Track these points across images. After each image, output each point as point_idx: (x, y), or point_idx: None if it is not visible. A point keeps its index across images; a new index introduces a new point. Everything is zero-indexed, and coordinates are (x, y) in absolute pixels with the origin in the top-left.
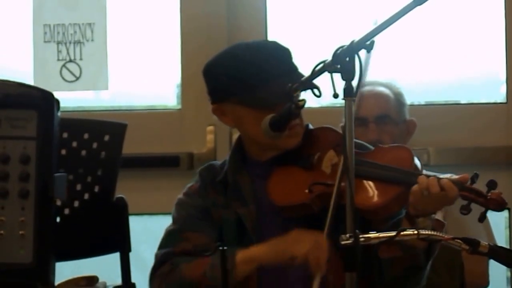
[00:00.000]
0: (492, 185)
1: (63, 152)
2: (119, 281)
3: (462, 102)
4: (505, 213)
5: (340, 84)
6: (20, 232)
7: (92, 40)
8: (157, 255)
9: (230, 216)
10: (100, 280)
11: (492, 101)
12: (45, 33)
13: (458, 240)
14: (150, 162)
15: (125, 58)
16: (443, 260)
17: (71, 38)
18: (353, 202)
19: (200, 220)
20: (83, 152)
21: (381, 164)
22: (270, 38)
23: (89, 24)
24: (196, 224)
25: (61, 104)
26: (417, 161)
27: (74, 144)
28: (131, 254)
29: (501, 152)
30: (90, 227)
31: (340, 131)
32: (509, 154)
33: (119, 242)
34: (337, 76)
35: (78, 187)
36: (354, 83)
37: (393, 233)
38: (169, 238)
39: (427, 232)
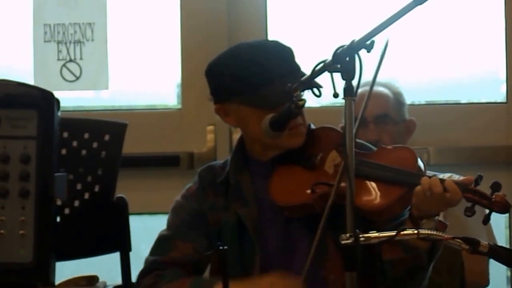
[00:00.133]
0: (496, 187)
1: (63, 151)
2: (119, 281)
3: (462, 101)
4: None
5: (340, 84)
6: (20, 232)
7: (92, 39)
8: (147, 260)
9: (230, 218)
10: (100, 279)
11: (492, 100)
12: (45, 32)
13: (458, 240)
14: (150, 162)
15: (125, 58)
16: (444, 260)
17: (71, 38)
18: (353, 202)
19: (193, 227)
20: (83, 152)
21: (385, 165)
22: (271, 36)
23: (89, 24)
24: (188, 233)
25: (61, 104)
26: (420, 162)
27: (74, 143)
28: (131, 254)
29: (501, 152)
30: (90, 226)
31: (341, 131)
32: (509, 153)
33: (119, 242)
34: (337, 76)
35: (78, 186)
36: (354, 82)
37: (393, 233)
38: (160, 245)
39: (427, 232)
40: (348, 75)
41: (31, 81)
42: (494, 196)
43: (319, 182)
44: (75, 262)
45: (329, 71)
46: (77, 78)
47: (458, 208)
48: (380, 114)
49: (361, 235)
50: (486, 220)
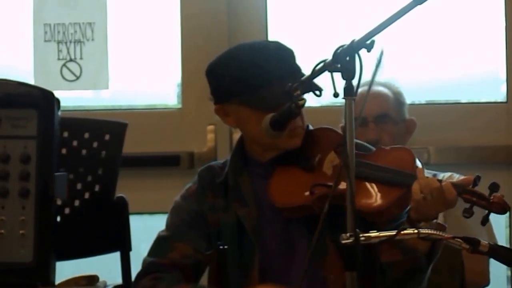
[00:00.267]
0: (494, 187)
1: (64, 151)
2: (119, 280)
3: (463, 101)
4: None
5: (340, 83)
6: (21, 232)
7: (93, 39)
8: (145, 261)
9: (230, 218)
10: (101, 279)
11: (493, 100)
12: (46, 32)
13: (459, 239)
14: (150, 161)
15: (126, 57)
16: (444, 260)
17: (72, 38)
18: (353, 201)
19: (192, 228)
20: (84, 151)
21: (383, 166)
22: (271, 36)
23: (90, 24)
24: (186, 233)
25: (62, 104)
26: (418, 163)
27: (75, 143)
28: (131, 253)
29: (501, 151)
30: (90, 226)
31: (340, 132)
32: (509, 153)
33: (120, 241)
34: (337, 76)
35: (79, 186)
36: (354, 82)
37: (393, 232)
38: (158, 246)
39: (427, 231)
40: (348, 75)
41: (31, 81)
42: (492, 197)
43: (317, 183)
44: (75, 261)
45: (329, 71)
46: (77, 77)
47: (458, 208)
48: (380, 114)
49: (361, 235)
50: (485, 221)
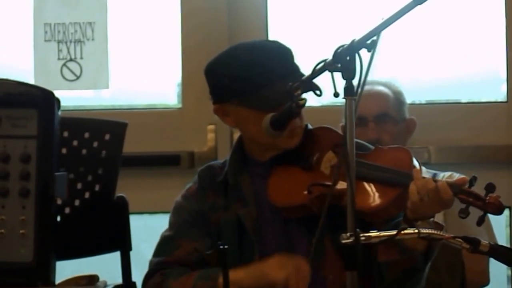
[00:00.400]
0: (490, 188)
1: (64, 151)
2: (119, 280)
3: (463, 101)
4: (506, 212)
5: (341, 83)
6: (21, 231)
7: (93, 39)
8: (151, 262)
9: (230, 218)
10: (101, 279)
11: (493, 100)
12: (46, 32)
13: (459, 239)
14: (150, 161)
15: (126, 57)
16: (444, 259)
17: (72, 37)
18: (353, 201)
19: (194, 226)
20: (84, 151)
21: (380, 165)
22: (271, 35)
23: (90, 23)
24: (190, 231)
25: (62, 103)
26: (416, 163)
27: (75, 143)
28: (131, 253)
29: (502, 151)
30: (90, 226)
31: (340, 131)
32: (509, 153)
33: (120, 241)
34: (337, 75)
35: (79, 186)
36: (355, 82)
37: (393, 232)
38: (163, 246)
39: (427, 231)
40: (348, 75)
41: (31, 81)
42: (488, 198)
43: (315, 183)
44: (76, 261)
45: (329, 71)
46: (78, 77)
47: (458, 207)
48: (380, 113)
49: (361, 235)
50: (480, 221)
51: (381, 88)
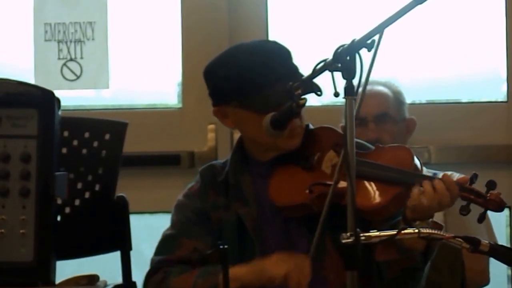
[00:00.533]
0: (491, 185)
1: (64, 150)
2: (120, 280)
3: (463, 100)
4: (506, 212)
5: (341, 83)
6: (21, 231)
7: (93, 38)
8: (153, 261)
9: (231, 217)
10: (101, 278)
11: (493, 99)
12: (46, 31)
13: (459, 239)
14: (151, 161)
15: (126, 57)
16: (444, 259)
17: (72, 37)
18: (354, 201)
19: (196, 225)
20: (84, 151)
21: (381, 164)
22: (271, 35)
23: (90, 23)
24: (192, 229)
25: (62, 103)
26: (417, 161)
27: (75, 142)
28: (132, 253)
29: (502, 151)
30: (90, 225)
31: (340, 131)
32: (509, 152)
33: (120, 241)
34: (338, 75)
35: (79, 185)
36: (355, 82)
37: (394, 232)
38: (165, 244)
39: (427, 231)
40: (348, 74)
41: (31, 80)
42: (489, 195)
43: (316, 182)
44: (76, 261)
45: (329, 70)
46: (78, 77)
47: (457, 206)
48: (380, 113)
49: (362, 234)
50: (481, 218)
51: (381, 88)
